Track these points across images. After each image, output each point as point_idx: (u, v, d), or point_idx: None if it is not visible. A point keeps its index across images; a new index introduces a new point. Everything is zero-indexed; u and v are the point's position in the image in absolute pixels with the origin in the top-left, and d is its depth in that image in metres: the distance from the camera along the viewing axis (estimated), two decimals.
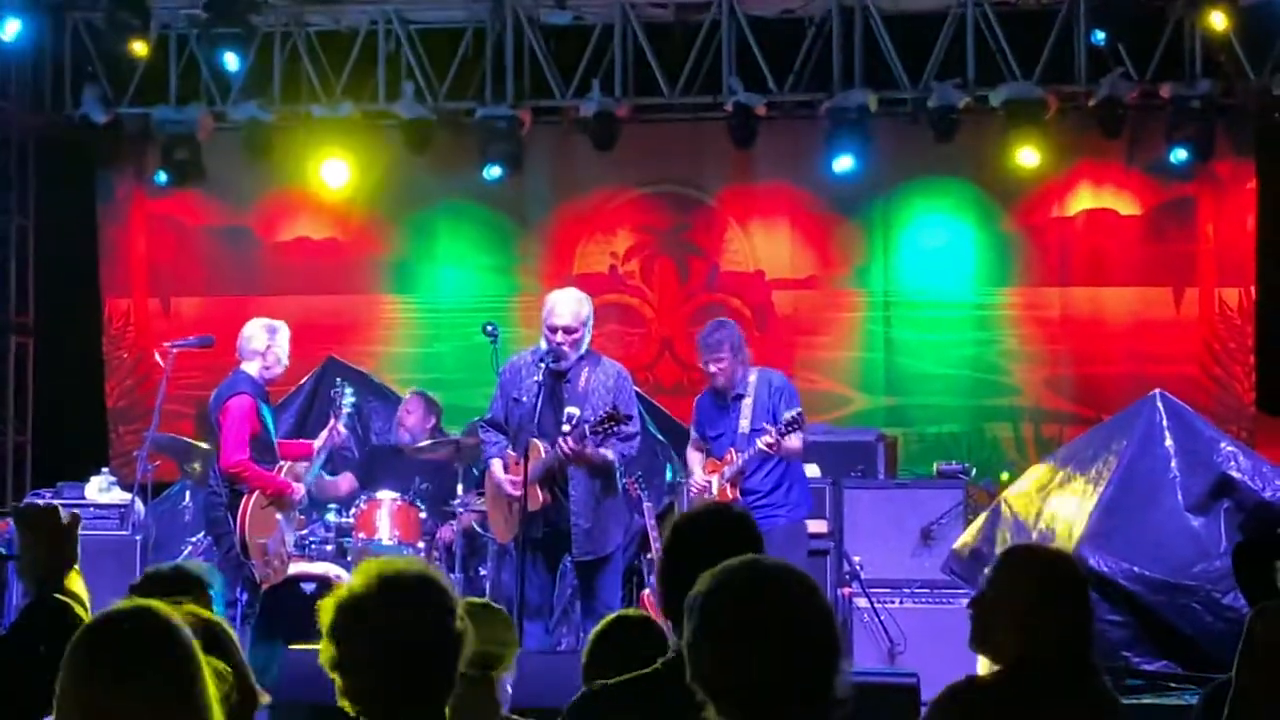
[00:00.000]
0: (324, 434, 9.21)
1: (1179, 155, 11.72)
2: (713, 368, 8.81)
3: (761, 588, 2.75)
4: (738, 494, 8.69)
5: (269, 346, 8.79)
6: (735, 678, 2.69)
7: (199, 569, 4.32)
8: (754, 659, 2.67)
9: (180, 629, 2.81)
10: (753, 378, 8.84)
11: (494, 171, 12.28)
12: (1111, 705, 3.97)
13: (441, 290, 13.13)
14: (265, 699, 3.74)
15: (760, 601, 2.73)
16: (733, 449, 8.73)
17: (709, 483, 8.81)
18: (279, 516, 8.79)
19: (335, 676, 3.14)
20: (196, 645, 2.82)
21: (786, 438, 8.56)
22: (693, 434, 9.21)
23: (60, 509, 3.29)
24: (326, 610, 3.17)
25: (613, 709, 3.52)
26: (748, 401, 8.76)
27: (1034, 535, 8.58)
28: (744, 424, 8.74)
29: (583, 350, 8.37)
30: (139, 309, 13.34)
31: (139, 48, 12.14)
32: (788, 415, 8.48)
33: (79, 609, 3.20)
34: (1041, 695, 3.86)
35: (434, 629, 3.13)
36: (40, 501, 3.06)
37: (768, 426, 8.55)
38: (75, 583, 3.24)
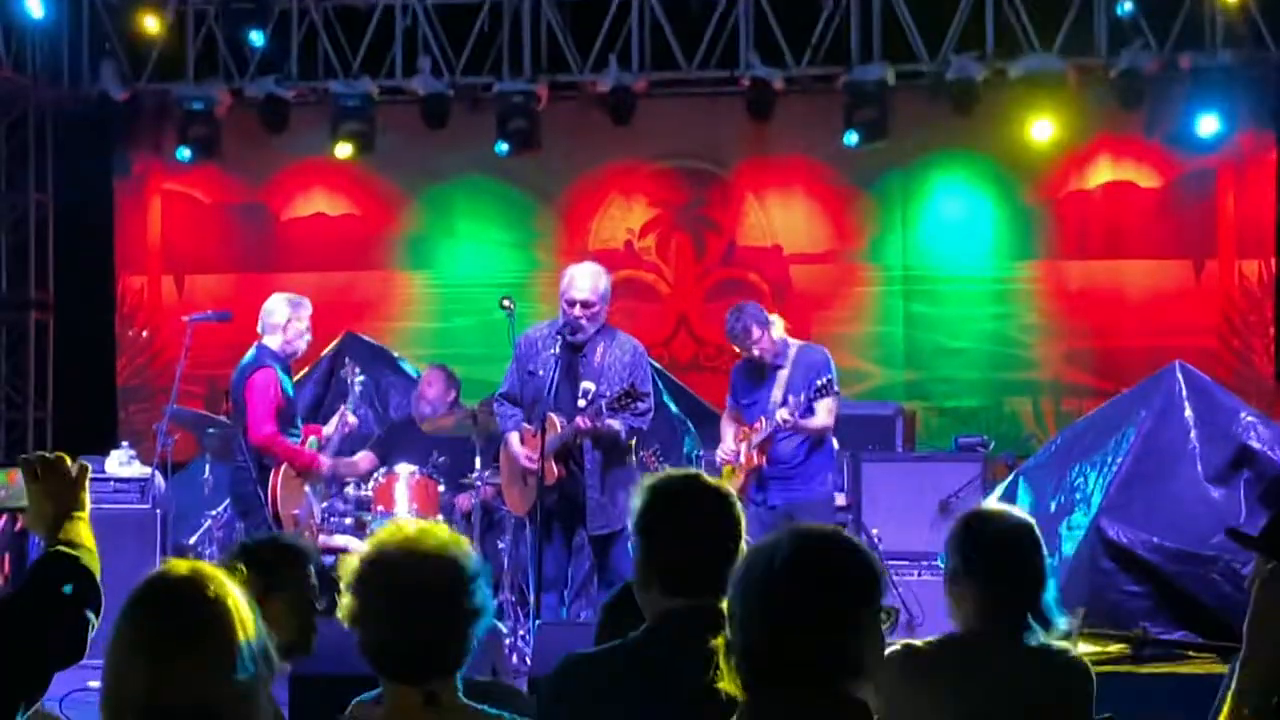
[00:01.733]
0: (334, 420, 9.20)
1: (1199, 127, 11.67)
2: (755, 350, 8.83)
3: (800, 554, 2.73)
4: (764, 461, 8.73)
5: (290, 320, 8.77)
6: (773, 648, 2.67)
7: (297, 542, 4.37)
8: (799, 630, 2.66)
9: (227, 592, 2.82)
10: (793, 351, 8.87)
11: (503, 146, 12.25)
12: (1064, 667, 3.98)
13: (459, 265, 13.14)
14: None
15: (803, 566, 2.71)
16: (763, 417, 8.75)
17: (739, 449, 8.83)
18: (306, 488, 8.82)
19: (356, 630, 3.15)
20: (246, 608, 2.84)
21: (807, 417, 8.58)
22: (728, 401, 9.22)
23: (67, 459, 3.29)
24: (349, 564, 3.19)
25: (592, 676, 3.51)
26: (784, 373, 8.79)
27: (1052, 507, 8.56)
28: (776, 394, 8.75)
29: (600, 325, 8.37)
30: (153, 286, 13.37)
31: (151, 24, 12.16)
32: (819, 383, 8.49)
33: (88, 558, 3.21)
34: (976, 659, 3.91)
35: (450, 588, 3.13)
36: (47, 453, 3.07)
37: (791, 400, 8.59)
38: (84, 533, 3.25)
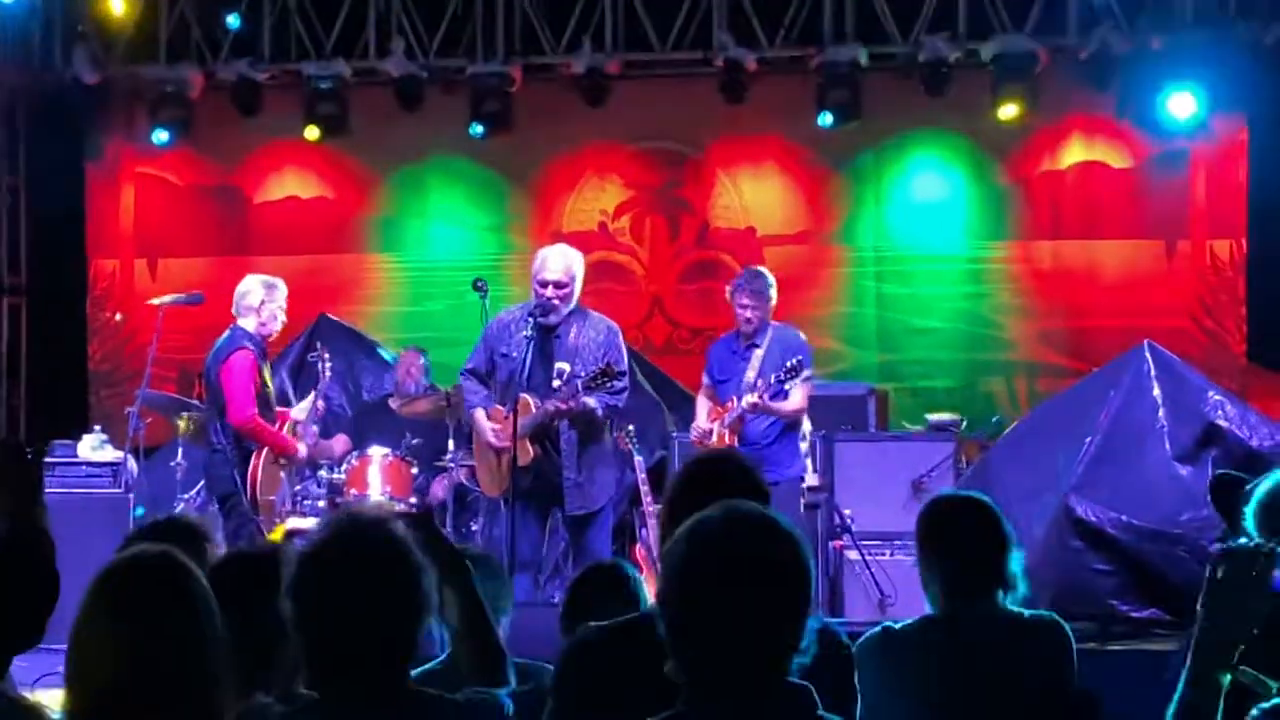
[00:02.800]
0: (305, 404, 9.15)
1: (1171, 108, 11.71)
2: (746, 315, 8.80)
3: (733, 536, 2.75)
4: (735, 440, 8.70)
5: (264, 302, 8.70)
6: (701, 624, 2.69)
7: (198, 521, 4.34)
8: (729, 610, 2.68)
9: (197, 573, 2.84)
10: (771, 331, 8.85)
11: (479, 128, 12.25)
12: (1041, 629, 4.07)
13: (432, 248, 13.12)
14: None
15: (729, 549, 2.73)
16: (735, 397, 8.75)
17: (711, 429, 8.84)
18: (283, 475, 8.78)
19: (295, 635, 3.11)
20: (209, 591, 2.85)
21: (777, 399, 8.59)
22: (704, 379, 9.20)
23: (23, 445, 3.32)
24: (289, 564, 3.15)
25: (606, 652, 3.53)
26: (759, 353, 8.77)
27: (1022, 487, 8.59)
28: (750, 374, 8.74)
29: (572, 305, 8.36)
30: (125, 270, 13.33)
31: (118, 6, 12.12)
32: (790, 364, 8.48)
33: (46, 545, 3.22)
34: (954, 635, 4.03)
35: (394, 588, 3.09)
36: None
37: (760, 383, 8.60)
38: (41, 518, 3.28)
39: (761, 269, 9.23)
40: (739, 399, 8.69)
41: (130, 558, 2.80)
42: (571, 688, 3.49)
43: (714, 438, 8.79)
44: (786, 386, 8.48)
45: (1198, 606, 2.71)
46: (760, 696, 2.69)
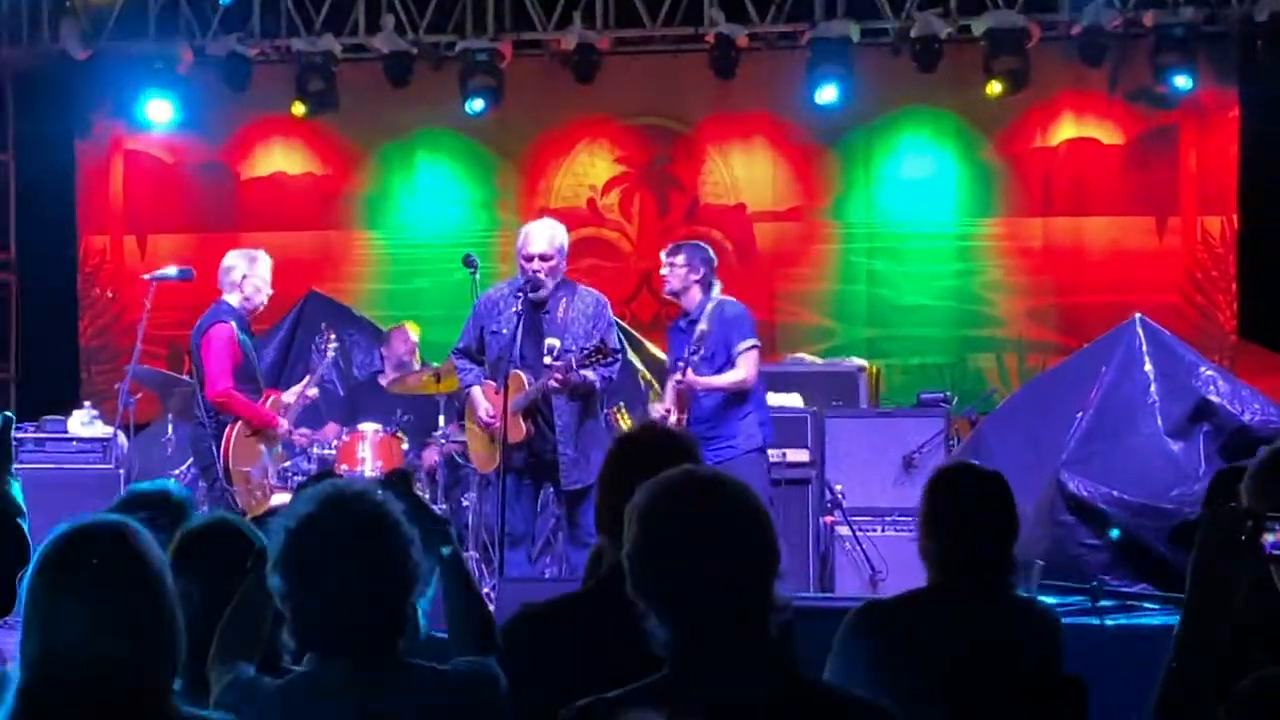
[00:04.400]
0: (295, 390, 9.13)
1: (1162, 84, 11.70)
2: (665, 271, 8.55)
3: (698, 495, 2.75)
4: (683, 419, 8.39)
5: (246, 276, 8.71)
6: (674, 585, 2.69)
7: (181, 493, 4.32)
8: (693, 566, 2.68)
9: (152, 545, 2.81)
10: (710, 306, 8.47)
11: (477, 104, 12.23)
12: (1033, 618, 4.06)
13: (421, 225, 13.10)
14: None
15: (697, 508, 2.73)
16: (673, 375, 8.53)
17: (668, 412, 8.48)
18: (262, 447, 8.76)
19: (284, 609, 3.11)
20: (165, 562, 2.83)
21: (713, 375, 8.34)
22: (669, 365, 9.02)
23: None
24: (276, 536, 3.12)
25: (546, 628, 3.52)
26: (701, 327, 8.40)
27: (1013, 462, 8.58)
28: (688, 353, 8.39)
29: (559, 279, 8.33)
30: (115, 246, 13.30)
31: None
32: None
33: (16, 515, 3.21)
34: (943, 612, 3.97)
35: (384, 559, 3.09)
36: None
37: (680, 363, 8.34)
38: (13, 487, 3.25)
39: (694, 242, 8.92)
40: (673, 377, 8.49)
41: (78, 528, 2.78)
42: (521, 659, 3.47)
43: (672, 418, 8.44)
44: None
45: (1187, 573, 2.69)
46: (743, 657, 2.68)
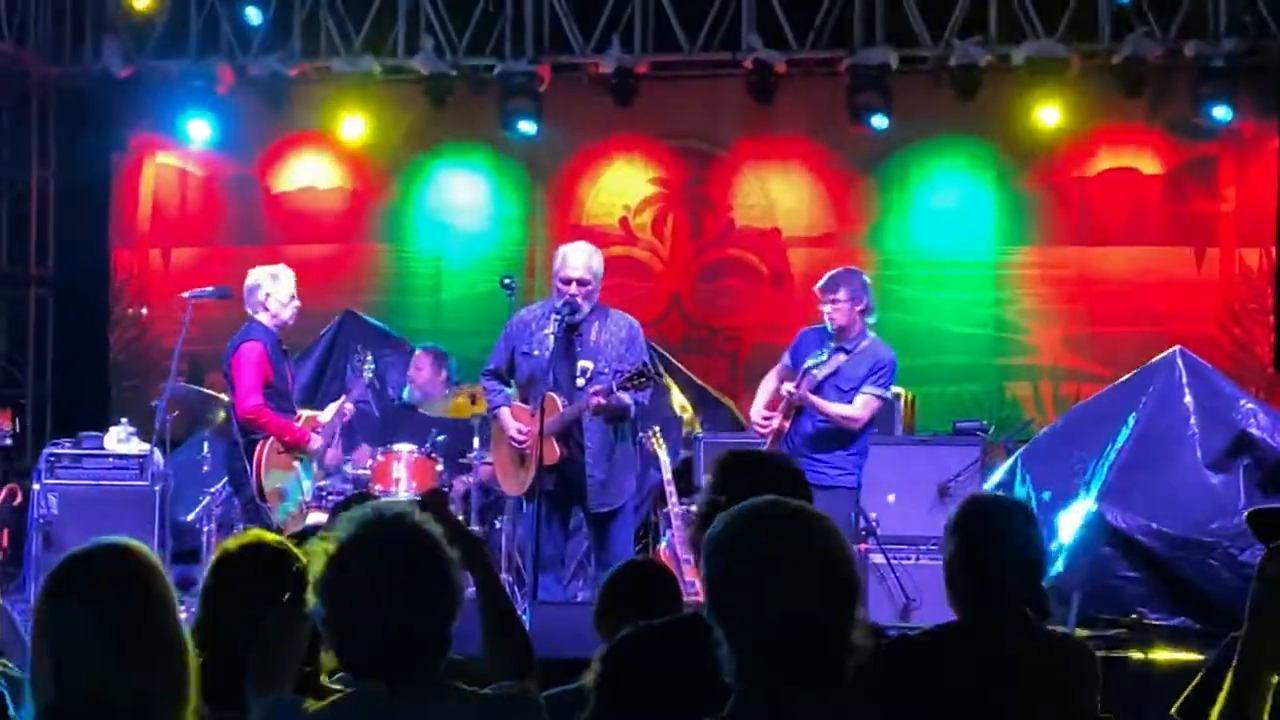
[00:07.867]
0: (332, 409, 9.13)
1: (1201, 115, 11.66)
2: (829, 310, 8.47)
3: (783, 526, 2.73)
4: (785, 427, 8.42)
5: (269, 294, 8.76)
6: (755, 616, 2.67)
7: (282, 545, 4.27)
8: (775, 598, 2.65)
9: (158, 567, 2.82)
10: (866, 343, 8.49)
11: (528, 127, 12.20)
12: (1068, 651, 3.98)
13: (453, 241, 13.08)
14: None
15: (781, 540, 2.70)
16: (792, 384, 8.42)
17: (772, 416, 8.48)
18: (297, 464, 8.79)
19: (326, 633, 3.09)
20: (170, 585, 2.85)
21: (828, 399, 8.34)
22: (784, 358, 8.80)
23: None
24: (317, 559, 3.10)
25: (652, 651, 3.50)
26: (843, 359, 8.42)
27: (1051, 493, 8.56)
28: (818, 371, 8.39)
29: (594, 303, 8.34)
30: (144, 261, 13.33)
31: (141, 1, 12.19)
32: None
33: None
34: (976, 647, 3.88)
35: (426, 582, 3.06)
36: None
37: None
38: None
39: (847, 269, 8.85)
40: (794, 390, 8.39)
41: (80, 551, 2.80)
42: (615, 687, 3.46)
43: (774, 423, 8.46)
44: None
45: (1246, 607, 2.67)
46: (815, 692, 2.65)
